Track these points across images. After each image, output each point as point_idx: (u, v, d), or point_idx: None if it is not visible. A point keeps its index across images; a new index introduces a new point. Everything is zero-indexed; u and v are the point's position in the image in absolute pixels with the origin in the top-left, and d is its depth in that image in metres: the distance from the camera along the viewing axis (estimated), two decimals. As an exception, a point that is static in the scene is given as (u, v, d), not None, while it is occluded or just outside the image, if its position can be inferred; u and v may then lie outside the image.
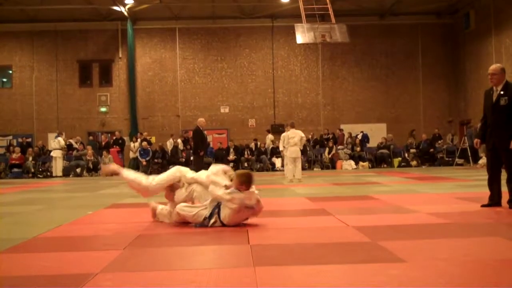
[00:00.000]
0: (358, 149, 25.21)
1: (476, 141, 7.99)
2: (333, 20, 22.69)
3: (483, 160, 21.64)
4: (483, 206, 7.63)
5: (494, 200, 7.60)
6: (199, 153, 16.46)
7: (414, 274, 3.94)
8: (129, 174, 7.13)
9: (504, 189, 7.56)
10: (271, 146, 25.52)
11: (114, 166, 7.69)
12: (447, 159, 24.98)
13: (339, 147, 25.59)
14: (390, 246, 4.94)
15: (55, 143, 23.57)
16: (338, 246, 5.15)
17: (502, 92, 7.35)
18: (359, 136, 26.14)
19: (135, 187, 6.93)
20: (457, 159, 24.18)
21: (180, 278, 4.03)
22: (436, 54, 29.52)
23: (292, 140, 15.48)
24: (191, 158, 24.33)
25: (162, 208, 7.02)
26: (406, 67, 29.41)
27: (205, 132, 17.15)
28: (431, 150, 25.32)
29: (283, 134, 16.27)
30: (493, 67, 7.57)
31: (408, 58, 29.41)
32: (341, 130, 27.21)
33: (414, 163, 24.19)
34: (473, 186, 12.26)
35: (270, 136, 26.66)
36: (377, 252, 4.76)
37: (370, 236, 5.53)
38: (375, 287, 3.61)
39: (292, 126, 16.00)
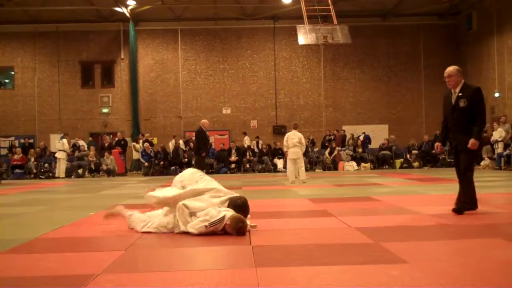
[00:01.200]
0: (360, 150, 25.18)
1: (437, 145, 7.77)
2: (335, 21, 22.68)
3: (485, 162, 21.65)
4: (453, 210, 7.33)
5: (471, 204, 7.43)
6: (201, 154, 16.46)
7: (416, 275, 3.93)
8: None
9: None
10: (254, 147, 25.72)
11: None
12: (449, 160, 24.91)
13: (342, 148, 25.58)
14: (392, 247, 4.94)
15: (60, 144, 23.59)
16: (340, 247, 5.15)
17: (460, 94, 7.20)
18: (361, 137, 26.11)
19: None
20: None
21: (181, 279, 4.03)
22: (438, 55, 29.47)
23: (292, 141, 15.40)
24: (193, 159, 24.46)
25: (132, 214, 6.67)
26: (408, 68, 29.39)
27: (208, 133, 17.13)
28: (433, 151, 25.26)
29: (287, 134, 16.24)
30: (449, 69, 7.40)
31: (410, 59, 29.39)
32: (338, 131, 27.17)
33: (416, 164, 24.14)
34: (476, 187, 12.21)
35: (246, 138, 26.98)
36: (379, 253, 4.75)
37: (372, 237, 5.52)
38: (377, 288, 3.60)
39: (295, 128, 15.97)
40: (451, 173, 19.15)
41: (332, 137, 26.32)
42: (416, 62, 29.40)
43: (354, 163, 24.41)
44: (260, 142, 26.52)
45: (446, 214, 7.18)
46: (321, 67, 29.28)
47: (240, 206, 6.06)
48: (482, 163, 21.72)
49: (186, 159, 24.47)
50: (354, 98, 29.44)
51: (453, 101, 7.25)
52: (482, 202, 7.94)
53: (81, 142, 25.78)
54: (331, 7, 22.50)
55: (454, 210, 7.29)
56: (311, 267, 4.25)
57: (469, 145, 7.00)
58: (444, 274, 3.94)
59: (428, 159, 25.03)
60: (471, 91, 7.15)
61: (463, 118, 7.14)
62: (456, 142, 7.34)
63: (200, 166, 16.72)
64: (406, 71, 29.31)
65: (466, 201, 7.33)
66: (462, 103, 7.12)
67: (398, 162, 24.64)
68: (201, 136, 16.51)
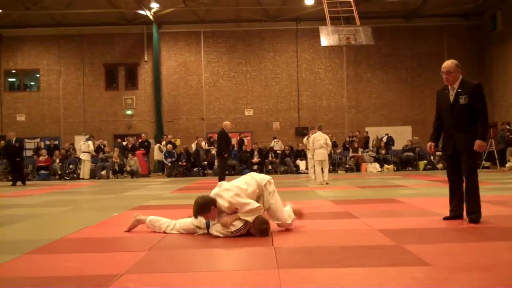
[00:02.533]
0: (383, 151, 25.02)
1: (430, 144, 7.14)
2: (358, 22, 22.60)
3: (510, 163, 21.37)
4: (445, 218, 6.84)
5: (457, 212, 6.80)
6: (223, 155, 16.49)
7: (439, 278, 3.90)
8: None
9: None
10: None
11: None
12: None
13: (365, 149, 25.46)
14: (415, 249, 4.90)
15: (85, 146, 23.83)
16: (362, 249, 5.12)
17: (460, 90, 6.61)
18: (384, 139, 25.95)
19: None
20: (483, 162, 23.86)
21: (204, 280, 4.05)
22: (462, 56, 29.06)
23: (318, 143, 15.53)
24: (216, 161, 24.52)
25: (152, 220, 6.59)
26: (431, 69, 29.09)
27: (230, 134, 17.16)
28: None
29: (312, 136, 16.24)
30: (447, 64, 6.78)
31: (433, 60, 29.08)
32: (359, 132, 27.03)
33: (440, 166, 23.92)
34: (499, 189, 12.10)
35: (276, 141, 26.94)
36: (402, 256, 4.72)
37: (395, 239, 5.49)
38: (400, 291, 3.58)
39: (320, 129, 16.12)
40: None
41: (354, 138, 26.20)
42: (440, 63, 28.31)
43: (377, 165, 24.27)
44: (280, 143, 26.58)
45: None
46: (343, 68, 29.18)
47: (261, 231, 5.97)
48: (508, 164, 21.44)
49: (206, 162, 24.63)
50: (377, 100, 29.28)
51: (451, 98, 6.67)
52: (509, 204, 7.84)
53: (101, 144, 26.07)
54: (353, 8, 22.42)
55: (448, 218, 6.79)
56: (333, 269, 4.25)
57: (475, 147, 6.44)
58: (467, 277, 3.90)
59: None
60: (472, 87, 6.57)
61: (464, 116, 6.56)
62: (455, 141, 6.65)
63: (223, 167, 16.78)
64: (429, 72, 29.04)
65: (471, 211, 6.57)
66: (462, 100, 6.54)
67: (421, 163, 24.43)
68: (223, 137, 16.52)
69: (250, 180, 6.28)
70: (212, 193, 6.06)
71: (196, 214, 6.01)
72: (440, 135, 7.03)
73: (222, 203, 5.92)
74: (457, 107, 6.59)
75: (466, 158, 6.58)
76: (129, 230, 6.55)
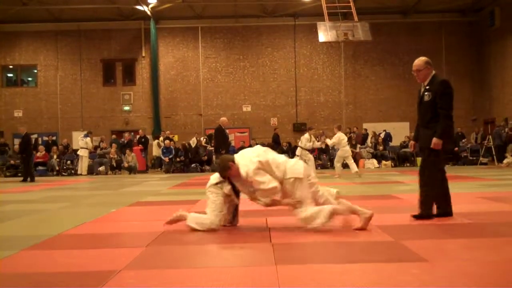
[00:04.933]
0: (381, 148, 25.04)
1: (411, 143, 7.44)
2: (356, 18, 22.62)
3: (508, 160, 21.40)
4: (414, 216, 6.60)
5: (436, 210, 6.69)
6: (220, 152, 16.48)
7: (437, 274, 3.91)
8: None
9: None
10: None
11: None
12: (471, 158, 24.71)
13: (362, 146, 25.47)
14: (413, 245, 4.90)
15: (83, 142, 23.81)
16: (360, 245, 5.14)
17: (427, 87, 6.58)
18: (382, 135, 25.96)
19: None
20: (481, 158, 23.91)
21: (202, 276, 4.05)
22: (460, 52, 29.22)
23: (344, 141, 16.87)
24: (214, 157, 24.51)
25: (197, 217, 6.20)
26: (429, 65, 29.12)
27: (227, 131, 17.17)
28: (455, 149, 25.04)
29: (338, 135, 17.03)
30: (416, 63, 6.77)
31: (431, 56, 28.27)
32: (357, 128, 27.03)
33: (438, 162, 23.92)
34: (497, 185, 12.12)
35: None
36: (400, 252, 4.73)
37: (393, 236, 5.49)
38: (398, 287, 3.59)
39: (339, 129, 17.40)
40: (473, 171, 19.05)
41: (352, 135, 26.18)
42: (438, 59, 29.06)
43: (374, 161, 24.31)
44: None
45: (468, 213, 7.10)
46: (341, 64, 29.15)
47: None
48: (505, 161, 21.47)
49: (206, 157, 24.63)
50: (374, 96, 29.29)
51: (420, 95, 6.70)
52: (507, 200, 7.85)
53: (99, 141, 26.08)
54: (351, 4, 22.44)
55: (415, 216, 6.58)
56: (331, 265, 4.26)
57: (431, 145, 6.39)
58: (465, 273, 3.91)
59: (450, 157, 24.80)
60: (437, 84, 6.52)
61: (426, 113, 6.52)
62: (419, 138, 6.74)
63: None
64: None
65: (437, 207, 6.62)
66: (426, 97, 6.53)
67: (419, 160, 24.39)
68: (220, 134, 16.54)
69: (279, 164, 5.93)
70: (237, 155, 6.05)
71: (222, 175, 5.93)
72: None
73: (242, 169, 5.78)
74: (423, 104, 6.59)
75: (425, 155, 6.63)
76: (170, 224, 6.15)
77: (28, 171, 19.32)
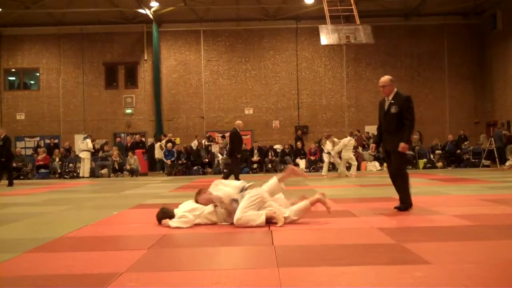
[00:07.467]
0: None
1: (372, 145, 8.61)
2: (358, 21, 22.59)
3: (510, 162, 21.37)
4: (396, 207, 7.86)
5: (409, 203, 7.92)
6: (236, 155, 16.37)
7: (439, 277, 3.90)
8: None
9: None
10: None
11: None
12: (473, 160, 24.67)
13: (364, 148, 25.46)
14: (415, 248, 4.90)
15: (83, 144, 23.82)
16: (362, 248, 5.13)
17: (392, 101, 7.90)
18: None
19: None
20: (483, 161, 23.87)
21: (204, 278, 4.05)
22: (462, 55, 29.21)
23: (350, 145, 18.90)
24: (216, 159, 24.52)
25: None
26: (431, 68, 29.15)
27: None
28: (457, 151, 25.03)
29: (346, 139, 19.19)
30: (383, 79, 8.07)
31: (433, 59, 29.14)
32: (359, 131, 26.99)
33: (439, 164, 23.93)
34: (499, 188, 12.11)
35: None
36: (402, 254, 4.73)
37: (395, 238, 5.49)
38: (400, 289, 3.58)
39: (351, 135, 19.16)
40: (475, 173, 19.02)
41: (355, 137, 26.15)
42: (440, 62, 29.15)
43: (376, 163, 24.27)
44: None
45: (470, 215, 7.10)
46: (343, 67, 29.16)
47: None
48: (508, 163, 21.45)
49: (207, 160, 24.65)
50: (376, 99, 28.99)
51: (386, 107, 7.97)
52: (509, 202, 7.84)
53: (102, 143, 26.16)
54: (353, 7, 22.41)
55: (396, 207, 7.85)
56: (333, 267, 4.25)
57: (399, 149, 7.65)
58: (468, 276, 3.90)
59: (452, 159, 24.79)
60: (402, 100, 7.87)
61: (393, 122, 7.81)
62: (386, 144, 8.03)
63: (236, 167, 16.59)
64: (429, 71, 29.07)
65: (401, 201, 7.84)
66: (393, 109, 7.82)
67: (421, 162, 24.44)
68: (236, 137, 16.40)
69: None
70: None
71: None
72: (381, 137, 8.22)
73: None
74: (389, 115, 7.89)
75: (393, 157, 7.86)
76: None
77: (9, 175, 18.26)
